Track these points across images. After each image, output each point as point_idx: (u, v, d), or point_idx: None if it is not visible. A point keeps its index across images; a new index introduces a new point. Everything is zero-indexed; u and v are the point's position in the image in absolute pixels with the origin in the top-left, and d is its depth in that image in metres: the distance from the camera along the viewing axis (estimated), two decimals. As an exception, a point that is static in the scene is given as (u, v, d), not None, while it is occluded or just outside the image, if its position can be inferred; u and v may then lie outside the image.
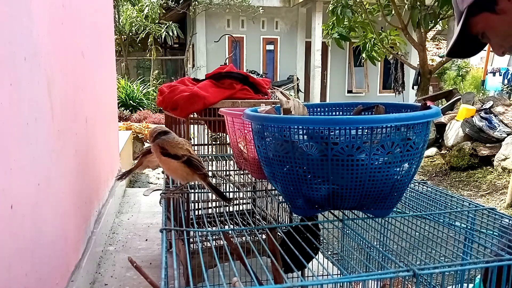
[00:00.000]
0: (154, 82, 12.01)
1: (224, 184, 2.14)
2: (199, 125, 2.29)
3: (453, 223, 1.09)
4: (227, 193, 1.92)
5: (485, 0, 1.15)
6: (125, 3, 12.86)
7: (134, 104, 9.79)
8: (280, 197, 1.75)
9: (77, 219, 2.06)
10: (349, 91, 14.01)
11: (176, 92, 2.08)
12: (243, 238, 1.95)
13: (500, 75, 9.89)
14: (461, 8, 1.21)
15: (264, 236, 1.88)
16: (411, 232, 1.13)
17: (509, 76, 9.48)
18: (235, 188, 1.79)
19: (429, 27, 7.05)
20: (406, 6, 6.96)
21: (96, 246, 2.38)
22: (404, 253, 1.04)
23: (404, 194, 1.14)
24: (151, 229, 3.04)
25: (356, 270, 1.55)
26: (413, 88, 9.73)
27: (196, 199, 1.93)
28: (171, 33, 12.17)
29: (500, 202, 4.16)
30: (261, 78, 2.29)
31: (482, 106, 5.83)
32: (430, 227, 1.06)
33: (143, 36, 12.44)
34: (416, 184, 1.38)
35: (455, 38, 1.24)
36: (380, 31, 7.77)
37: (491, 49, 1.27)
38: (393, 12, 7.17)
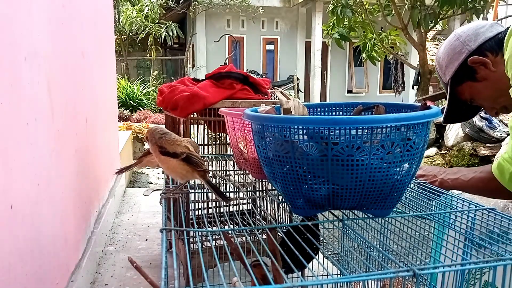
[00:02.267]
0: (154, 82, 12.01)
1: (224, 184, 2.14)
2: (199, 125, 2.29)
3: (453, 223, 1.09)
4: (227, 193, 1.92)
5: (465, 71, 1.21)
6: (125, 3, 12.87)
7: (134, 104, 9.79)
8: (280, 197, 1.75)
9: (77, 219, 2.06)
10: (349, 91, 14.01)
11: (176, 92, 2.08)
12: (243, 238, 1.95)
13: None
14: (445, 80, 1.28)
15: (264, 236, 1.88)
16: (411, 232, 1.12)
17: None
18: (235, 188, 1.79)
19: (429, 27, 7.04)
20: (406, 6, 6.95)
21: (96, 246, 2.38)
22: (404, 253, 1.04)
23: (404, 194, 1.14)
24: (151, 229, 3.04)
25: (356, 270, 1.55)
26: (413, 88, 9.72)
27: (196, 199, 1.93)
28: (171, 33, 12.18)
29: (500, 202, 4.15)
30: (261, 78, 2.29)
31: (482, 106, 5.81)
32: (430, 227, 1.06)
33: (143, 36, 12.45)
34: (416, 184, 1.38)
35: (446, 108, 1.29)
36: (380, 31, 7.76)
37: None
38: (393, 12, 7.17)
